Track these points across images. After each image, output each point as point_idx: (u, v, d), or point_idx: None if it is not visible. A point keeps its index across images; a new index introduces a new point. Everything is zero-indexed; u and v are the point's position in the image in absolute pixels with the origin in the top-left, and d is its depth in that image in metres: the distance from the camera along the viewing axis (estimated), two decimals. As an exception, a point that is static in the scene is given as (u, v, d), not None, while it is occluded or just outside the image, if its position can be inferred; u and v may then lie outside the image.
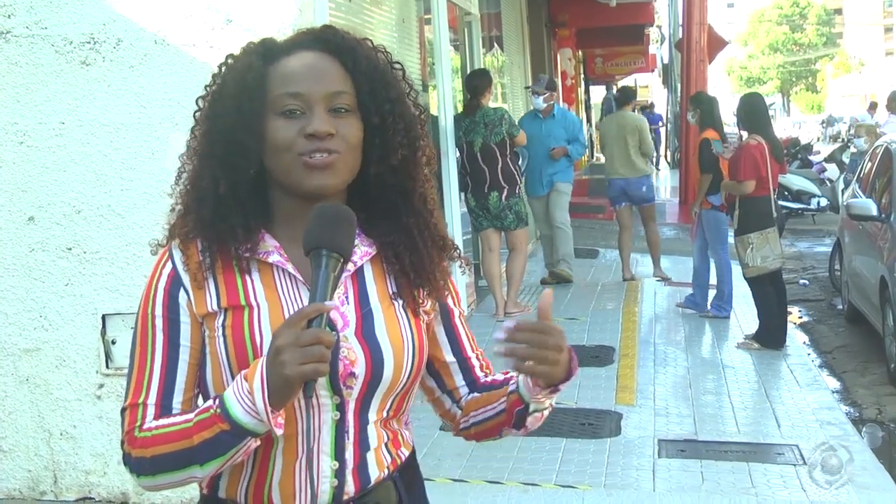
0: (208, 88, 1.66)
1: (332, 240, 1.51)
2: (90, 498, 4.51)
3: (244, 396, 1.47)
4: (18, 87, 4.37)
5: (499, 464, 4.94)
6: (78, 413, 4.49)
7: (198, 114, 1.66)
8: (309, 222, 1.53)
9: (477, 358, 1.81)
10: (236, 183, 1.60)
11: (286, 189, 1.62)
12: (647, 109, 28.03)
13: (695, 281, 8.68)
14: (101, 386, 4.46)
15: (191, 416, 1.53)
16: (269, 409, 1.45)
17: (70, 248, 4.41)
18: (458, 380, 1.79)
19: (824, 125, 39.45)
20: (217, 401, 1.51)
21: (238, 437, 1.49)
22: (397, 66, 1.70)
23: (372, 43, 1.69)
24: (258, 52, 1.64)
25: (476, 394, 1.78)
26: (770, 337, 7.38)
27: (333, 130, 1.58)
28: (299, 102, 1.59)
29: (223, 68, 1.65)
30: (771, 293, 7.41)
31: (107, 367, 4.43)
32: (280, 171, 1.60)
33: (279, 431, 1.50)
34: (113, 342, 4.41)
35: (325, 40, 1.65)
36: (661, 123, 26.84)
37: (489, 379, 1.80)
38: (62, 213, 4.40)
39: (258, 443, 1.52)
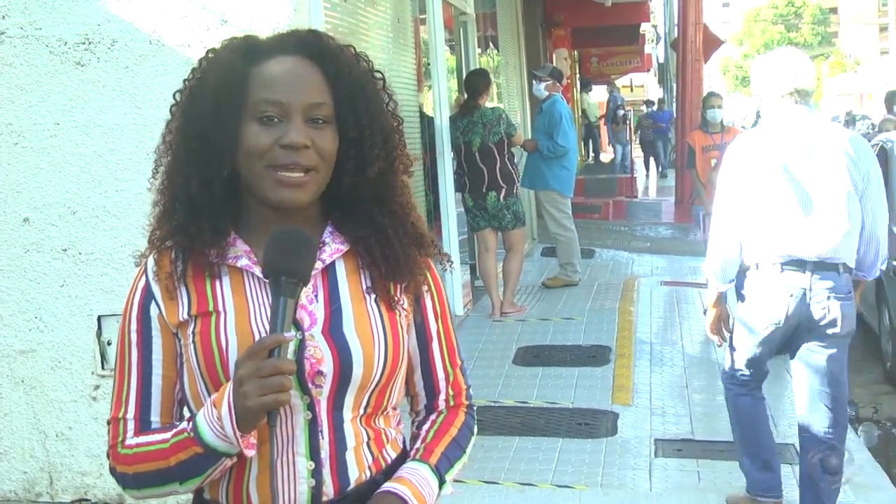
0: (186, 83, 1.64)
1: (291, 266, 1.52)
2: (86, 500, 4.51)
3: (214, 422, 1.51)
4: (13, 88, 4.36)
5: (495, 464, 4.93)
6: (73, 414, 4.48)
7: (174, 108, 1.65)
8: (267, 247, 1.53)
9: (444, 369, 1.77)
10: (210, 182, 1.60)
11: (256, 196, 1.62)
12: (655, 107, 27.19)
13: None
14: (97, 387, 4.45)
15: (168, 435, 1.57)
16: (238, 434, 1.49)
17: (65, 250, 4.40)
18: (419, 386, 1.78)
19: (846, 124, 36.85)
20: (191, 424, 1.54)
21: (212, 458, 1.54)
22: (378, 75, 1.68)
23: (355, 50, 1.67)
24: (240, 51, 1.62)
25: (429, 428, 1.76)
26: None
27: (309, 143, 1.57)
28: (278, 110, 1.57)
29: (203, 63, 1.64)
30: None
31: (102, 368, 4.42)
32: (251, 178, 1.59)
33: (250, 453, 1.53)
34: (108, 343, 4.41)
35: (309, 45, 1.62)
36: (670, 123, 25.96)
37: (437, 426, 1.76)
38: (57, 214, 4.39)
39: (234, 460, 1.56)
